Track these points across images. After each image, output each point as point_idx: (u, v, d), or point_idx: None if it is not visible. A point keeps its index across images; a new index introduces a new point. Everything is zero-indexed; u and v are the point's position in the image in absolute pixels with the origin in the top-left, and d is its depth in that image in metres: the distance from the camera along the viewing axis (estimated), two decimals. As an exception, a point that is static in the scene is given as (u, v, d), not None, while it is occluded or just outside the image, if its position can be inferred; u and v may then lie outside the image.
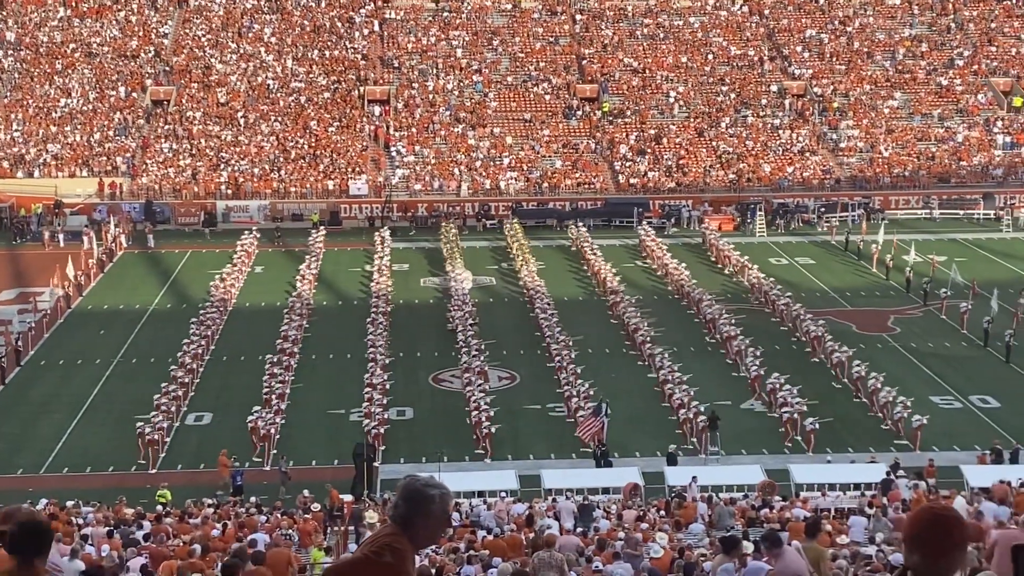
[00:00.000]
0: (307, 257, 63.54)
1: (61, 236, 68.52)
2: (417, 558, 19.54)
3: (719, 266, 64.29)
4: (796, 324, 51.92)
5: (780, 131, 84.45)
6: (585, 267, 63.56)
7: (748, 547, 21.05)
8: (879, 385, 42.79)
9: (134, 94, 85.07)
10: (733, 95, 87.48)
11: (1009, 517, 28.00)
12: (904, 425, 40.49)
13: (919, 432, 39.77)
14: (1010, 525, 26.61)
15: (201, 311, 53.60)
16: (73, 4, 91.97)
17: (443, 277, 62.11)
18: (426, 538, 5.97)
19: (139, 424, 39.70)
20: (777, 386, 42.69)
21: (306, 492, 34.45)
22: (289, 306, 54.51)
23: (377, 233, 69.02)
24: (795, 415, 40.69)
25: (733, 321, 51.15)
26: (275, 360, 46.56)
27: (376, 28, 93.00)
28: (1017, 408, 43.13)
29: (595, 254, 63.29)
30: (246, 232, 68.53)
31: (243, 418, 42.13)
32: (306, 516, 30.74)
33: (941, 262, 61.43)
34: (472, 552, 23.02)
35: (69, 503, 32.04)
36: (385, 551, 5.79)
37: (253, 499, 34.01)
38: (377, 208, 76.33)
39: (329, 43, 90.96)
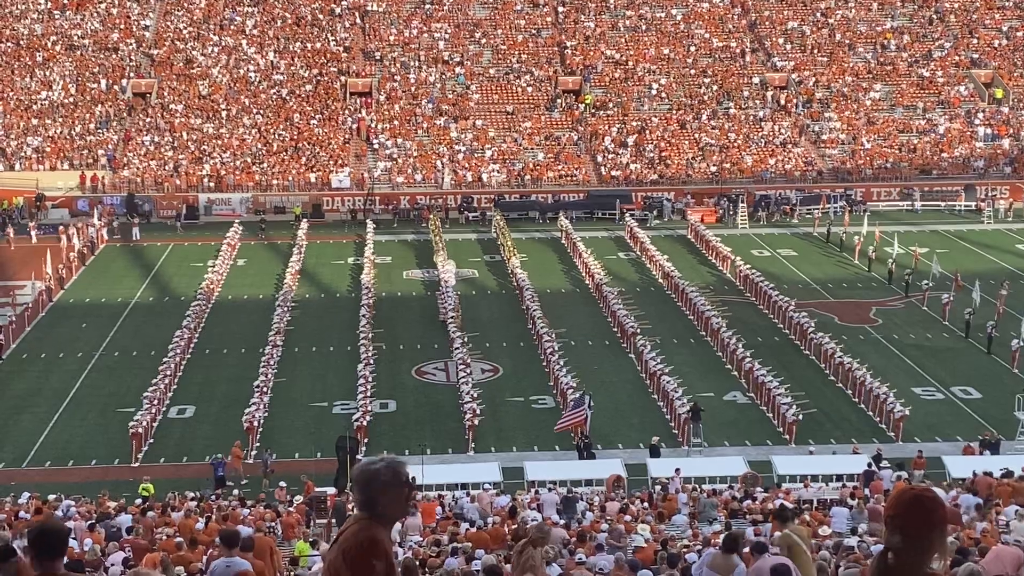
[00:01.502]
0: (295, 250, 63.52)
1: (34, 233, 67.66)
2: (400, 550, 19.63)
3: (711, 259, 64.24)
4: (783, 315, 52.02)
5: (762, 123, 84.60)
6: (575, 259, 63.43)
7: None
8: (868, 378, 42.87)
9: (115, 87, 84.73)
10: (715, 87, 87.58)
11: (980, 507, 28.11)
12: (893, 417, 40.53)
13: (900, 423, 39.93)
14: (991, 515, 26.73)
15: (193, 304, 53.56)
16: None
17: (427, 270, 62.17)
18: (393, 510, 5.96)
19: (132, 423, 39.51)
20: (764, 380, 42.84)
21: (282, 484, 34.43)
22: (280, 299, 54.49)
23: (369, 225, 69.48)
24: (793, 406, 40.75)
25: (718, 314, 51.26)
26: (271, 353, 46.65)
27: (358, 20, 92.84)
28: (998, 399, 43.28)
29: (582, 246, 63.39)
30: (235, 225, 68.55)
31: (225, 411, 42.22)
32: (289, 509, 30.72)
33: (923, 254, 61.63)
34: (455, 544, 23.04)
35: (51, 496, 31.96)
36: (367, 556, 5.78)
37: (236, 492, 33.97)
38: (360, 201, 76.25)
39: (311, 35, 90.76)
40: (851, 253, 64.48)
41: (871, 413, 41.77)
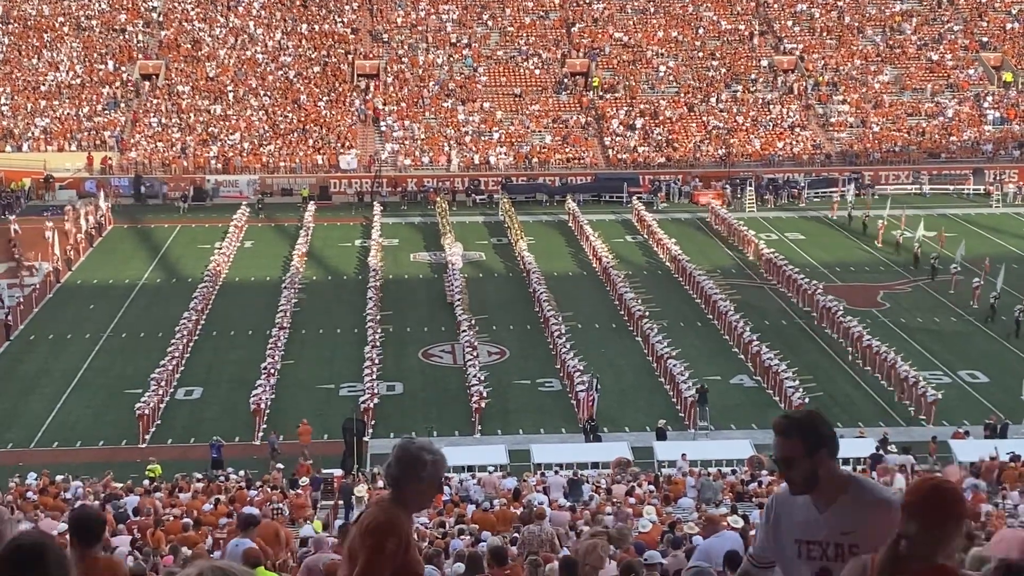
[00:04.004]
0: (302, 232, 63.60)
1: (15, 227, 64.92)
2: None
3: (734, 242, 64.13)
4: (811, 299, 51.91)
5: (770, 106, 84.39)
6: (583, 242, 63.35)
7: (737, 521, 21.18)
8: (899, 361, 42.82)
9: (123, 68, 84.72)
10: (724, 70, 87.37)
11: (984, 490, 28.21)
12: (925, 401, 40.44)
13: (933, 407, 39.81)
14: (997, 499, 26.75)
15: (201, 286, 53.64)
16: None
17: (434, 253, 62.22)
18: (417, 503, 6.06)
19: (138, 405, 39.52)
20: (771, 363, 42.79)
21: (279, 466, 34.43)
22: (287, 281, 54.52)
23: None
24: (799, 390, 40.69)
25: (725, 297, 51.19)
26: (278, 335, 46.74)
27: (365, 2, 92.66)
28: (1006, 383, 43.25)
29: (589, 229, 63.34)
30: (243, 207, 68.81)
31: (233, 393, 42.32)
32: (297, 492, 30.77)
33: (945, 237, 61.25)
34: (462, 526, 23.09)
35: (59, 477, 32.08)
36: (385, 540, 5.83)
37: (242, 472, 34.02)
38: (367, 183, 76.24)
39: (318, 17, 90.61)
40: (874, 237, 64.27)
41: (906, 399, 41.53)
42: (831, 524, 5.86)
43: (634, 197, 72.10)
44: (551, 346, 46.82)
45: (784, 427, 5.87)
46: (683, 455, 34.57)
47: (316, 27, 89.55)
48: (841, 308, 49.43)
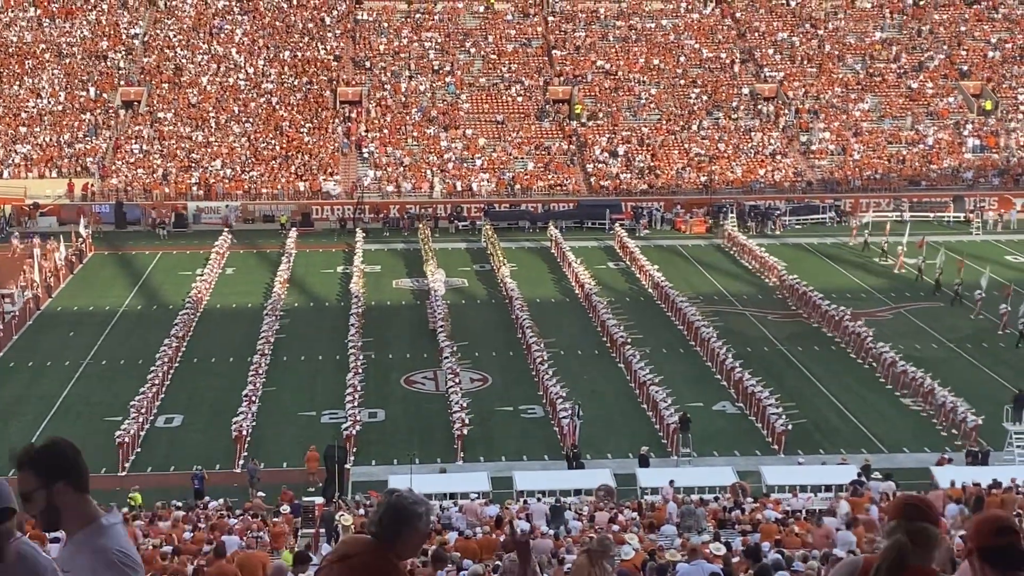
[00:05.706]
0: (283, 259, 63.45)
1: None
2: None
3: (758, 269, 64.22)
4: (837, 325, 51.94)
5: (751, 134, 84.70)
6: (565, 269, 63.35)
7: (719, 548, 21.13)
8: (936, 387, 42.92)
9: (104, 95, 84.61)
10: (705, 98, 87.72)
11: (967, 516, 28.17)
12: (965, 426, 40.53)
13: (974, 432, 39.88)
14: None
15: (182, 312, 53.42)
16: (43, 4, 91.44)
17: (417, 279, 62.15)
18: (410, 552, 6.09)
19: (118, 433, 39.20)
20: (755, 390, 42.77)
21: (261, 494, 34.22)
22: (269, 308, 54.33)
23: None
24: (782, 417, 40.68)
25: (708, 323, 51.22)
26: (259, 361, 46.54)
27: (348, 29, 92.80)
28: (986, 410, 43.18)
29: (571, 256, 63.36)
30: (224, 233, 68.66)
31: (214, 420, 42.10)
32: (275, 520, 30.58)
33: (959, 264, 61.57)
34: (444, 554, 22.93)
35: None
36: None
37: (222, 500, 33.80)
38: (349, 209, 76.18)
39: (301, 44, 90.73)
40: (894, 262, 64.74)
41: (941, 424, 41.63)
42: (61, 559, 5.67)
43: (616, 224, 72.21)
44: (534, 373, 46.77)
45: (18, 459, 5.58)
46: (671, 481, 34.46)
47: (299, 54, 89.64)
48: (871, 334, 49.44)
